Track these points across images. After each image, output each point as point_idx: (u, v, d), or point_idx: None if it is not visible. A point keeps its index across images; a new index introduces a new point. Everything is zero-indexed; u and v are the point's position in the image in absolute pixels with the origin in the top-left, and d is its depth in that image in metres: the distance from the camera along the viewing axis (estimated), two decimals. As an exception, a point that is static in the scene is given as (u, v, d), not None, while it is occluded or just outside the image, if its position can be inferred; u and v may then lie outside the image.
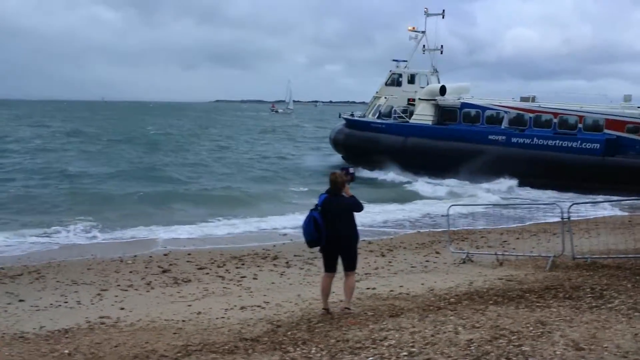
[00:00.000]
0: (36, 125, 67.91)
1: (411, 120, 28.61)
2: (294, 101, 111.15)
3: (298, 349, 5.60)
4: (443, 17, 30.02)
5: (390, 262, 11.70)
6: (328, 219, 6.77)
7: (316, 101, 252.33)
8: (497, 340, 5.12)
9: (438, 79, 30.48)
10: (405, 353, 5.03)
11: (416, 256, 12.29)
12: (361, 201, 7.24)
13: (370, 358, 5.00)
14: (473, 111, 27.10)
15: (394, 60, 31.55)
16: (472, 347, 4.99)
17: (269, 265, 11.58)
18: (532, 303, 6.75)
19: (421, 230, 15.87)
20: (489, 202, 19.86)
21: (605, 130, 23.62)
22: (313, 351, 5.38)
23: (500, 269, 10.32)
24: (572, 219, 11.10)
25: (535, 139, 24.50)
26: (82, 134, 54.92)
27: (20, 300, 9.13)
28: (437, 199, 21.90)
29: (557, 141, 24.01)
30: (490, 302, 7.00)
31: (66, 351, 6.43)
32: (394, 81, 30.55)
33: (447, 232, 12.45)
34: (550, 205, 11.64)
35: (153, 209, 18.93)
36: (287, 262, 11.76)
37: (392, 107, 29.62)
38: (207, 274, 10.87)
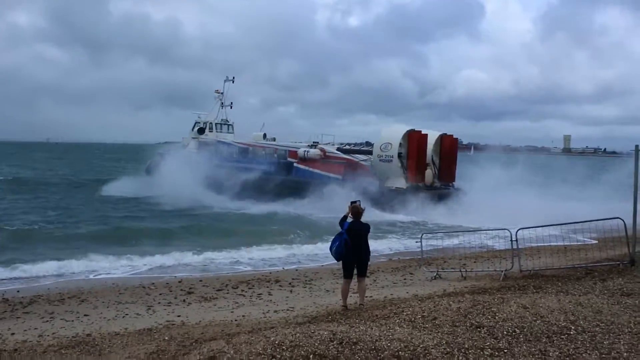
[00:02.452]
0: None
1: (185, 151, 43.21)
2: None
3: (344, 321, 8.72)
4: (233, 82, 44.78)
5: (375, 280, 14.97)
6: (352, 238, 9.94)
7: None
8: (476, 307, 8.44)
9: (233, 127, 45.21)
10: (419, 316, 8.28)
11: (395, 276, 15.66)
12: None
13: (397, 320, 8.21)
14: (224, 147, 41.73)
15: (195, 112, 45.86)
16: (461, 310, 8.30)
17: (275, 286, 14.60)
18: (494, 293, 10.22)
19: (393, 258, 19.31)
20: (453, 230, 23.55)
21: (289, 159, 37.30)
22: (356, 321, 8.51)
23: (465, 282, 13.78)
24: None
25: (237, 163, 39.02)
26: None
27: (85, 315, 11.74)
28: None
29: (248, 164, 38.40)
30: (465, 294, 10.41)
31: (165, 337, 9.22)
32: (198, 128, 44.27)
33: (422, 256, 15.92)
34: (502, 230, 15.29)
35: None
36: (289, 283, 14.83)
37: (182, 144, 44.58)
38: (228, 293, 13.79)
